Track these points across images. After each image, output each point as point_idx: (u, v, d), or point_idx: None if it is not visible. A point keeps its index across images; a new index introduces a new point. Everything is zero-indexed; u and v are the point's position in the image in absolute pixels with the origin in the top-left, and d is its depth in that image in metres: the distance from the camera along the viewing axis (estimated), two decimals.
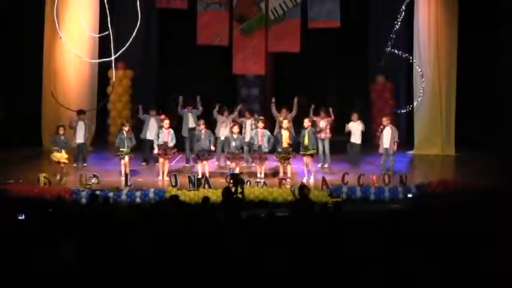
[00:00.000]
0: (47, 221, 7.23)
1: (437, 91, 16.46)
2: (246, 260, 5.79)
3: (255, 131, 13.59)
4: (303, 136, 13.12)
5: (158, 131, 13.37)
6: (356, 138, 14.39)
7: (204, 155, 13.07)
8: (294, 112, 14.30)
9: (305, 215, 7.79)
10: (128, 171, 12.88)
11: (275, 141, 13.17)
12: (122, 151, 13.12)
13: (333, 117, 14.42)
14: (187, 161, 14.87)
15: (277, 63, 18.22)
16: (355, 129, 14.36)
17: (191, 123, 14.85)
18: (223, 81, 18.63)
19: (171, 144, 13.12)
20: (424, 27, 16.46)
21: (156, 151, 13.27)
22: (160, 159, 13.21)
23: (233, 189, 9.31)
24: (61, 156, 12.97)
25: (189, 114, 14.93)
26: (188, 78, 18.55)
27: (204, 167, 13.09)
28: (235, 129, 13.29)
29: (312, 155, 13.11)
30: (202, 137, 13.09)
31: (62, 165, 12.96)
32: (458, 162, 15.80)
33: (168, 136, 13.14)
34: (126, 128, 13.36)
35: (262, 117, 14.15)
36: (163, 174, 13.14)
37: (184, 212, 7.66)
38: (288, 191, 11.28)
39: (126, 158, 13.13)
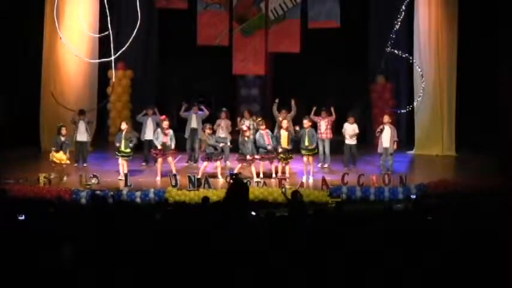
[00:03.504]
0: (47, 221, 7.24)
1: (438, 91, 16.46)
2: (247, 260, 5.79)
3: (259, 132, 13.47)
4: (303, 136, 13.13)
5: (158, 131, 13.36)
6: (349, 139, 14.36)
7: (215, 155, 13.06)
8: (292, 113, 14.31)
9: (300, 217, 7.77)
10: (126, 171, 12.88)
11: (276, 141, 13.22)
12: (123, 152, 13.10)
13: (334, 116, 14.43)
14: (188, 160, 14.93)
15: (277, 63, 18.21)
16: (349, 130, 14.33)
17: (194, 124, 14.91)
18: (223, 81, 18.63)
19: (170, 144, 13.13)
20: (424, 27, 16.46)
21: (153, 151, 13.31)
22: (159, 159, 13.22)
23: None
24: (60, 156, 12.94)
25: (193, 116, 14.98)
26: (188, 78, 18.56)
27: (205, 168, 13.07)
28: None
29: (312, 155, 13.13)
30: (211, 139, 13.02)
31: (64, 165, 12.95)
32: (458, 163, 15.80)
33: (167, 137, 13.15)
34: (124, 127, 13.30)
35: (260, 119, 14.12)
36: (161, 174, 13.14)
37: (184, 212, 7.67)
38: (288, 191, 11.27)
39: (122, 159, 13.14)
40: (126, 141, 13.07)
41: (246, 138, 13.15)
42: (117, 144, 13.11)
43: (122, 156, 13.04)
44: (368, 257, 5.84)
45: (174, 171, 12.81)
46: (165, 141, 13.11)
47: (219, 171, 13.08)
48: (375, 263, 5.77)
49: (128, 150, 13.08)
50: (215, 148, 13.02)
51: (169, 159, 13.21)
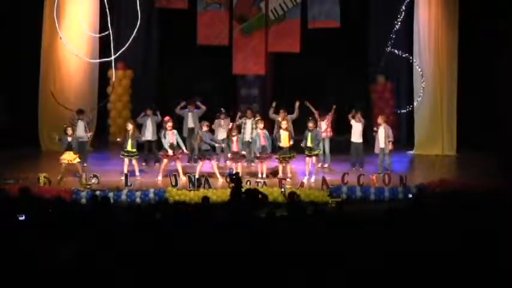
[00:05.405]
0: (47, 221, 7.23)
1: (438, 91, 16.46)
2: (247, 260, 5.79)
3: (255, 132, 13.61)
4: (306, 137, 13.16)
5: (164, 132, 13.35)
6: (356, 137, 14.38)
7: (209, 154, 13.11)
8: (294, 115, 14.32)
9: (298, 217, 7.77)
10: (137, 171, 13.00)
11: (274, 141, 13.26)
12: (130, 151, 13.11)
13: (333, 112, 14.46)
14: (188, 161, 14.91)
15: (277, 63, 18.21)
16: (355, 128, 14.36)
17: (190, 123, 14.88)
18: (223, 81, 18.63)
19: (177, 144, 13.19)
20: (424, 27, 16.46)
21: (161, 153, 13.32)
22: (164, 160, 13.21)
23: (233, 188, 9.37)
24: (69, 156, 12.87)
25: (189, 114, 14.95)
26: (188, 78, 18.55)
27: (201, 167, 13.11)
28: (234, 131, 13.38)
29: (316, 156, 13.18)
30: (207, 136, 13.10)
31: (77, 165, 12.91)
32: (458, 163, 15.80)
33: (173, 137, 13.18)
34: (130, 128, 13.30)
35: (259, 118, 14.16)
36: (163, 174, 13.16)
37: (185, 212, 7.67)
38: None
39: (133, 160, 13.13)
40: (133, 140, 13.11)
41: (233, 138, 13.25)
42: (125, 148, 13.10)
43: (129, 156, 13.04)
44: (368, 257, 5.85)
45: (181, 175, 12.86)
46: (172, 141, 13.13)
47: (216, 171, 13.06)
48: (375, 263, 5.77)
49: (134, 149, 13.12)
50: (211, 146, 13.09)
51: (178, 163, 13.17)
